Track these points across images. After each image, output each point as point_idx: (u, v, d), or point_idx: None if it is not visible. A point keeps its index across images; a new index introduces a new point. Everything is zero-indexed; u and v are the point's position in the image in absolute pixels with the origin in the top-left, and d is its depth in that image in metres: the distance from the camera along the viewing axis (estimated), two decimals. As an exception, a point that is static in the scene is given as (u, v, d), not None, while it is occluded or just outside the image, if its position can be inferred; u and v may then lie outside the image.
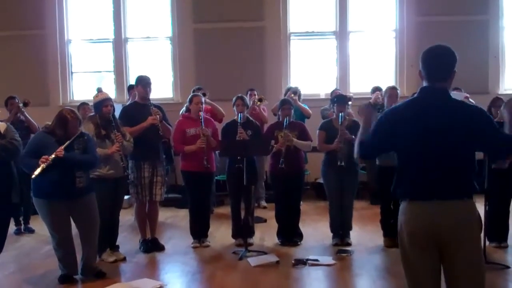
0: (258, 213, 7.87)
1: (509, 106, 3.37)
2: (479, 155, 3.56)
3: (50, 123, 5.23)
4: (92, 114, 6.15)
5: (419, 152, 3.04)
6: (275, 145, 6.45)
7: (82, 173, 5.21)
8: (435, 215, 2.98)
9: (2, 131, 5.08)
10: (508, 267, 5.47)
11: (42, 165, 4.91)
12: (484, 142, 3.05)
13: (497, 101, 6.63)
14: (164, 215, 8.06)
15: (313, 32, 10.77)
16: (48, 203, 5.12)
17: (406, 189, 3.11)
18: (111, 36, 10.84)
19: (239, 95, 6.79)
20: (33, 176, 4.97)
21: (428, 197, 3.01)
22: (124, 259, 6.03)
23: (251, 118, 6.92)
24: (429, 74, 3.09)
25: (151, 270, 5.84)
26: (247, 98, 7.20)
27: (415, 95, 3.21)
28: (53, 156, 4.93)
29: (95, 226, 5.38)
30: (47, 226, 5.27)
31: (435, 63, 3.08)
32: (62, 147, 5.00)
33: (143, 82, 6.35)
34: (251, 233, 6.66)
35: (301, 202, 7.00)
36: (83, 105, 8.15)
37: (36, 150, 5.08)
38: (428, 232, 3.01)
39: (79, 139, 5.19)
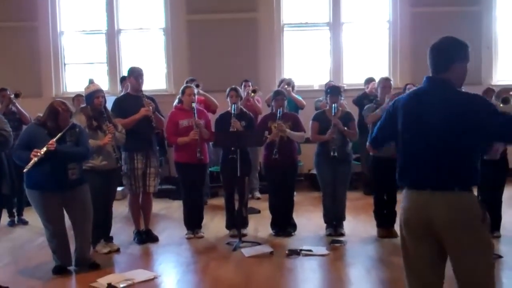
0: (252, 204, 7.89)
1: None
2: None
3: (41, 114, 5.21)
4: (83, 105, 6.13)
5: (414, 141, 3.07)
6: (268, 136, 6.46)
7: (75, 165, 5.20)
8: (427, 204, 3.01)
9: (-9, 123, 5.05)
10: (500, 256, 5.51)
11: (34, 159, 4.89)
12: (484, 127, 2.97)
13: (489, 92, 6.65)
14: (158, 206, 8.05)
15: (306, 23, 10.75)
16: (41, 194, 5.11)
17: (405, 177, 3.15)
18: (104, 27, 10.77)
19: (233, 86, 6.77)
20: (25, 170, 4.96)
21: (421, 187, 3.04)
22: (118, 250, 6.04)
23: (245, 110, 6.91)
24: (430, 65, 3.13)
25: (145, 261, 5.86)
26: (240, 89, 7.19)
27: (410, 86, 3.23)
28: (44, 149, 4.91)
29: (89, 217, 5.37)
30: (40, 218, 5.26)
31: (434, 54, 3.11)
32: (54, 139, 4.97)
33: (135, 74, 6.33)
34: (245, 224, 6.67)
35: (295, 193, 7.02)
36: (78, 96, 8.13)
37: (27, 142, 5.06)
38: (421, 221, 3.04)
39: (71, 131, 5.16)
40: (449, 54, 3.08)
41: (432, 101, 3.03)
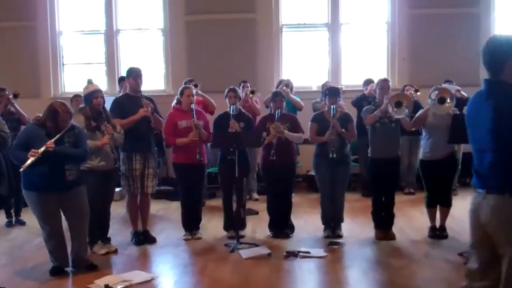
0: (250, 205, 7.86)
1: None
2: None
3: (40, 115, 5.20)
4: (82, 106, 6.12)
5: (472, 144, 3.12)
6: (266, 137, 6.46)
7: (72, 166, 5.18)
8: (479, 206, 3.01)
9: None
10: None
11: (31, 159, 4.87)
12: None
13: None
14: (156, 207, 8.05)
15: (305, 24, 10.75)
16: (38, 195, 5.10)
17: (472, 178, 3.17)
18: (102, 27, 10.77)
19: (232, 87, 6.75)
20: (21, 169, 4.95)
21: (478, 187, 3.06)
22: (115, 251, 6.03)
23: (243, 110, 6.90)
24: (484, 67, 3.08)
25: (143, 262, 5.85)
26: (239, 90, 7.19)
27: None
28: (42, 149, 4.90)
29: (85, 218, 5.36)
30: (37, 218, 5.25)
31: (484, 59, 3.05)
32: (52, 140, 4.96)
33: (134, 74, 6.32)
34: (243, 226, 6.66)
35: (293, 194, 7.01)
36: (76, 97, 8.11)
37: (26, 142, 5.04)
38: (474, 222, 3.06)
39: (69, 132, 5.15)
40: (498, 56, 2.99)
41: (483, 105, 3.00)
